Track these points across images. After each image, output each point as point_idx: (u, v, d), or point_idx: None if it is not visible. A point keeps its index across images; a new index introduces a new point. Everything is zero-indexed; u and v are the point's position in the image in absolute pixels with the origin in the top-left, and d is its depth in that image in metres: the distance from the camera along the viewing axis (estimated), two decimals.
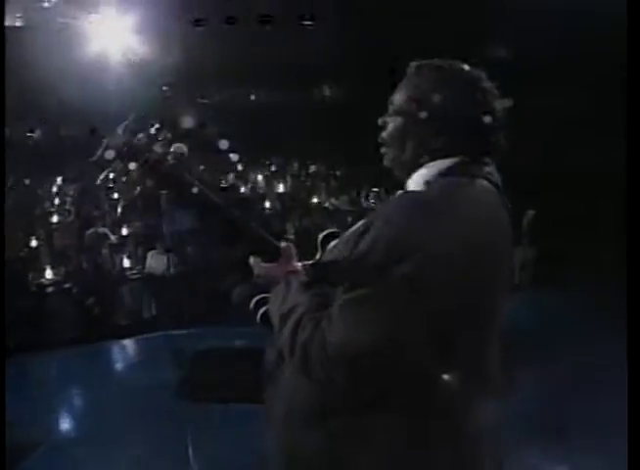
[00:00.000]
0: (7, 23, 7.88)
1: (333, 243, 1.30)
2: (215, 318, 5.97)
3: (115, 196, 8.50)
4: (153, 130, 1.47)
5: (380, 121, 1.30)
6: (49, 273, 6.01)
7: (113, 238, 7.05)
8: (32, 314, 5.72)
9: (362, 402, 1.09)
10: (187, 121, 8.41)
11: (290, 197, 9.63)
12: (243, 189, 9.16)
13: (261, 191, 9.48)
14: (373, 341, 1.01)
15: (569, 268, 6.64)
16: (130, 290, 6.44)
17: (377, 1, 8.90)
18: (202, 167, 8.60)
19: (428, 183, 1.16)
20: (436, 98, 1.17)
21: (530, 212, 6.88)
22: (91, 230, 6.96)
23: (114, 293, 6.35)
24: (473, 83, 1.20)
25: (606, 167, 6.99)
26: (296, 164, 11.64)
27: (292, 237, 6.46)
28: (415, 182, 1.21)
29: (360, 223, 1.18)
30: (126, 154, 1.33)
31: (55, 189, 9.31)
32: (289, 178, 10.61)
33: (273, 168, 11.51)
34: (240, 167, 10.49)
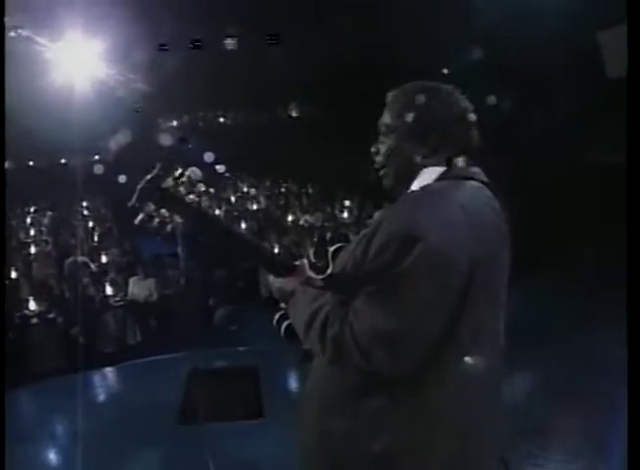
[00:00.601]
0: None
1: (342, 253, 1.43)
2: (199, 341, 5.99)
3: (90, 224, 8.51)
4: (176, 175, 1.61)
5: (372, 149, 1.49)
6: (32, 305, 5.99)
7: (93, 266, 7.05)
8: (19, 346, 5.67)
9: (397, 379, 1.24)
10: (165, 139, 8.40)
11: (264, 215, 9.74)
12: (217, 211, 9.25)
13: (235, 213, 9.57)
14: (397, 326, 1.18)
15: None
16: (114, 317, 6.45)
17: (345, 20, 9.11)
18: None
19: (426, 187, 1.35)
20: (416, 114, 1.39)
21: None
22: (70, 259, 6.96)
23: (99, 321, 6.35)
24: (444, 97, 1.41)
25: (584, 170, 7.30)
26: (268, 183, 11.77)
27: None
28: (415, 188, 1.41)
29: (366, 230, 1.33)
30: (159, 200, 1.46)
31: (29, 220, 9.26)
32: (261, 198, 10.73)
33: (245, 189, 11.65)
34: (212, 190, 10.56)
